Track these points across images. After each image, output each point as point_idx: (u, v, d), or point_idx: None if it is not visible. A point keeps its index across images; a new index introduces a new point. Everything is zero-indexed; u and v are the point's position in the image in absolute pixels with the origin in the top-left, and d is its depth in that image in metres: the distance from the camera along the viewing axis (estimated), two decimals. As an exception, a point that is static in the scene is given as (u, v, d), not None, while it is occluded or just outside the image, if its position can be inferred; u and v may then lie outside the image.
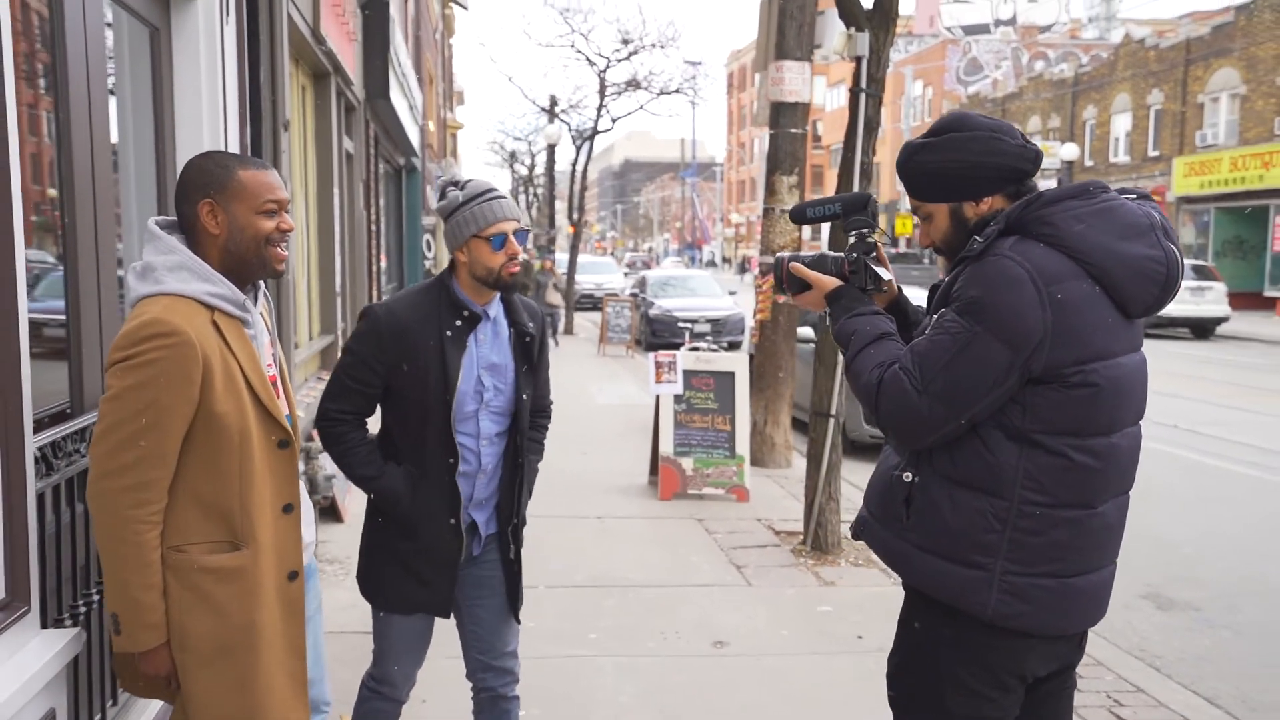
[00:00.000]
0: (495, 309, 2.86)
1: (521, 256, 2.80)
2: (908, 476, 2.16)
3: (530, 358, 2.89)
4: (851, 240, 2.36)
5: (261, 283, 2.36)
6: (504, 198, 2.78)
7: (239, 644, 2.16)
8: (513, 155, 41.35)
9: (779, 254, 2.48)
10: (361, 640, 3.81)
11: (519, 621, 3.04)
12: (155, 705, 3.12)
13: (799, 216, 2.46)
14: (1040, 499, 2.05)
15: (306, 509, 2.48)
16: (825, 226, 5.39)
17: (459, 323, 2.77)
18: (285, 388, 2.42)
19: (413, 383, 2.72)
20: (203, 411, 2.09)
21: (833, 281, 2.36)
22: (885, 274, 2.35)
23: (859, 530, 2.33)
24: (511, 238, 2.74)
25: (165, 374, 2.04)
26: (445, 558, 2.84)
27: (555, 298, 20.51)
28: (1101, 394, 2.03)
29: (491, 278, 2.75)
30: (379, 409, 2.87)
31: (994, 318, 1.99)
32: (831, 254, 2.41)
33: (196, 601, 2.13)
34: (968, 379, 2.01)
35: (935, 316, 2.13)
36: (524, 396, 2.86)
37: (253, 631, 2.17)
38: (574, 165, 24.83)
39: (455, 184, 2.80)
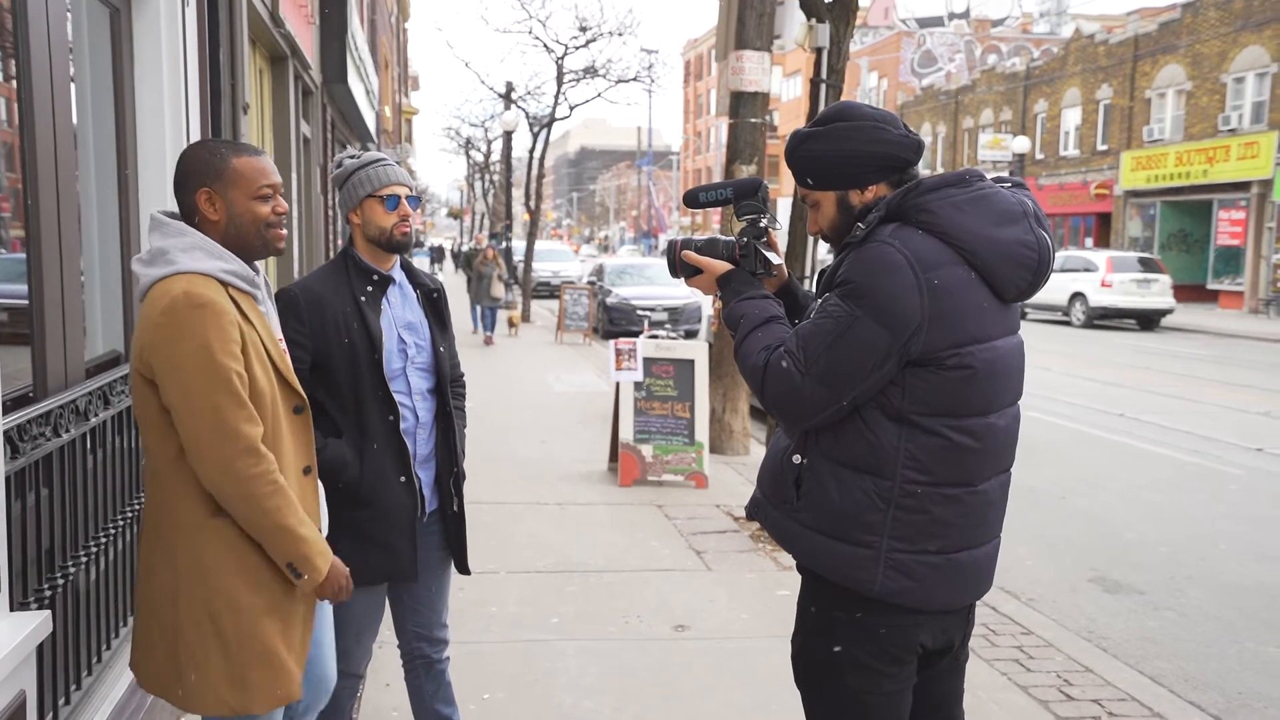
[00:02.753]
0: (399, 274, 2.99)
1: (415, 225, 2.95)
2: (797, 458, 2.22)
3: (440, 314, 3.04)
4: (742, 225, 2.39)
5: (260, 264, 2.42)
6: (394, 165, 2.93)
7: (282, 600, 2.26)
8: (468, 142, 41.02)
9: (671, 238, 2.53)
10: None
11: (468, 572, 3.13)
12: (121, 684, 3.10)
13: (692, 202, 2.48)
14: (921, 478, 2.11)
15: (321, 500, 2.56)
16: (783, 216, 5.44)
17: (370, 287, 2.88)
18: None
19: (339, 349, 2.79)
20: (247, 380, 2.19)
21: (723, 266, 2.40)
22: (775, 258, 2.39)
23: (753, 511, 2.37)
24: (404, 200, 2.88)
25: (214, 337, 2.11)
26: (404, 518, 2.87)
27: (499, 290, 18.51)
28: (977, 376, 2.10)
29: (384, 238, 2.88)
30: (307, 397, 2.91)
31: (873, 302, 2.05)
32: (723, 238, 2.45)
33: (241, 564, 2.21)
34: (848, 362, 2.07)
35: (820, 301, 2.19)
36: (441, 349, 3.00)
37: (291, 587, 2.28)
38: (531, 153, 24.72)
39: (351, 156, 2.94)
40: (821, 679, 2.27)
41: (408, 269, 3.03)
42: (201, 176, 2.26)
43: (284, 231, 2.36)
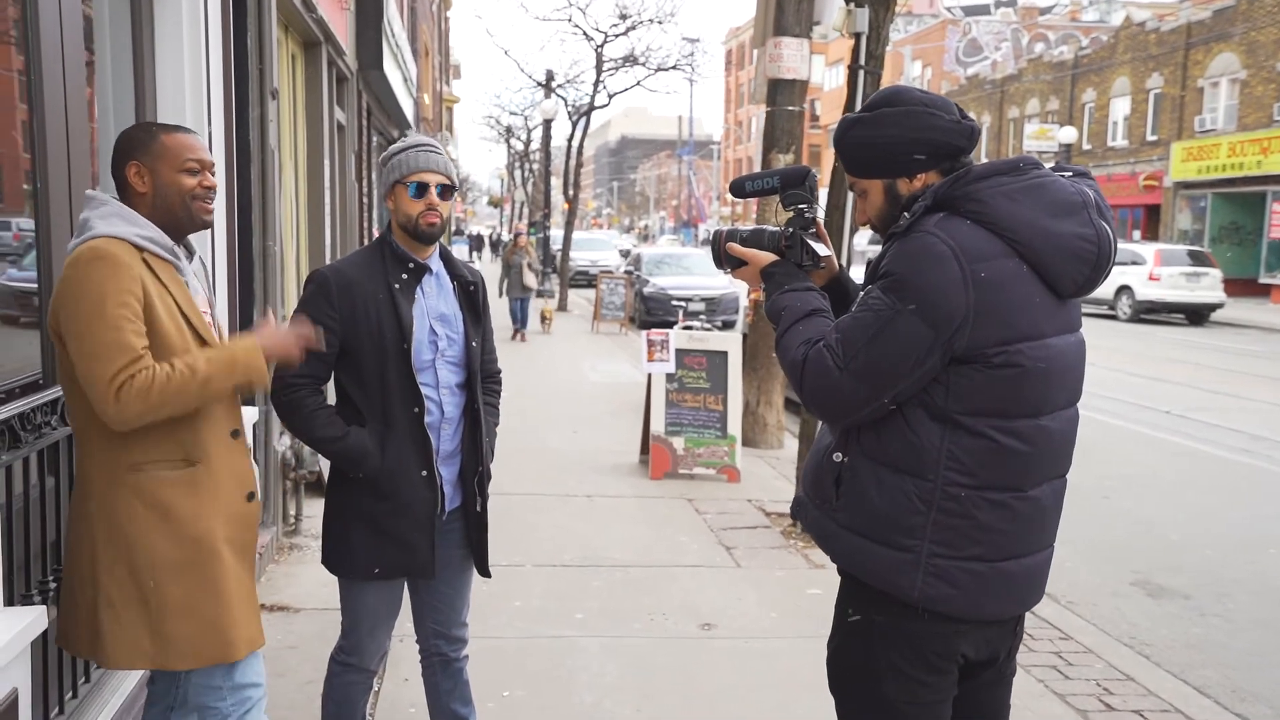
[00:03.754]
0: (436, 264, 2.90)
1: (448, 214, 2.89)
2: (837, 457, 2.13)
3: (475, 307, 2.94)
4: (789, 215, 2.30)
5: (196, 250, 2.50)
6: (434, 152, 2.82)
7: (202, 555, 2.30)
8: (509, 130, 41.05)
9: (716, 229, 2.43)
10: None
11: (489, 575, 3.04)
12: (129, 684, 3.06)
13: (738, 190, 2.41)
14: (964, 481, 2.01)
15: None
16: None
17: (405, 275, 2.80)
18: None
19: (368, 336, 2.73)
20: (151, 332, 2.22)
21: (768, 257, 2.32)
22: (823, 250, 2.29)
23: (796, 510, 2.31)
24: (432, 189, 2.78)
25: (106, 282, 2.18)
26: (423, 513, 2.80)
27: (530, 280, 17.25)
28: (1027, 375, 1.99)
29: (410, 225, 2.79)
30: (333, 385, 2.85)
31: (916, 296, 1.95)
32: (769, 229, 2.37)
33: (158, 518, 2.27)
34: (889, 357, 1.97)
35: (862, 294, 2.10)
36: (474, 344, 2.91)
37: (211, 543, 2.31)
38: (569, 141, 24.64)
39: (401, 137, 2.81)
40: (857, 685, 2.18)
41: (446, 259, 2.94)
42: (131, 151, 2.36)
43: (210, 206, 2.43)
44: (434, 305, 2.84)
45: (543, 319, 17.89)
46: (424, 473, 2.79)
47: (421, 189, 2.76)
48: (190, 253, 2.49)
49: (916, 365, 1.97)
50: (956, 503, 2.01)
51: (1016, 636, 2.25)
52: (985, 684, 2.23)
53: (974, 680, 2.20)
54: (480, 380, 2.95)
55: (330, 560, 2.88)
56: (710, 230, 74.86)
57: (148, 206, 2.35)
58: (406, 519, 2.79)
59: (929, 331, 1.94)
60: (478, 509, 2.95)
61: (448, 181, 2.82)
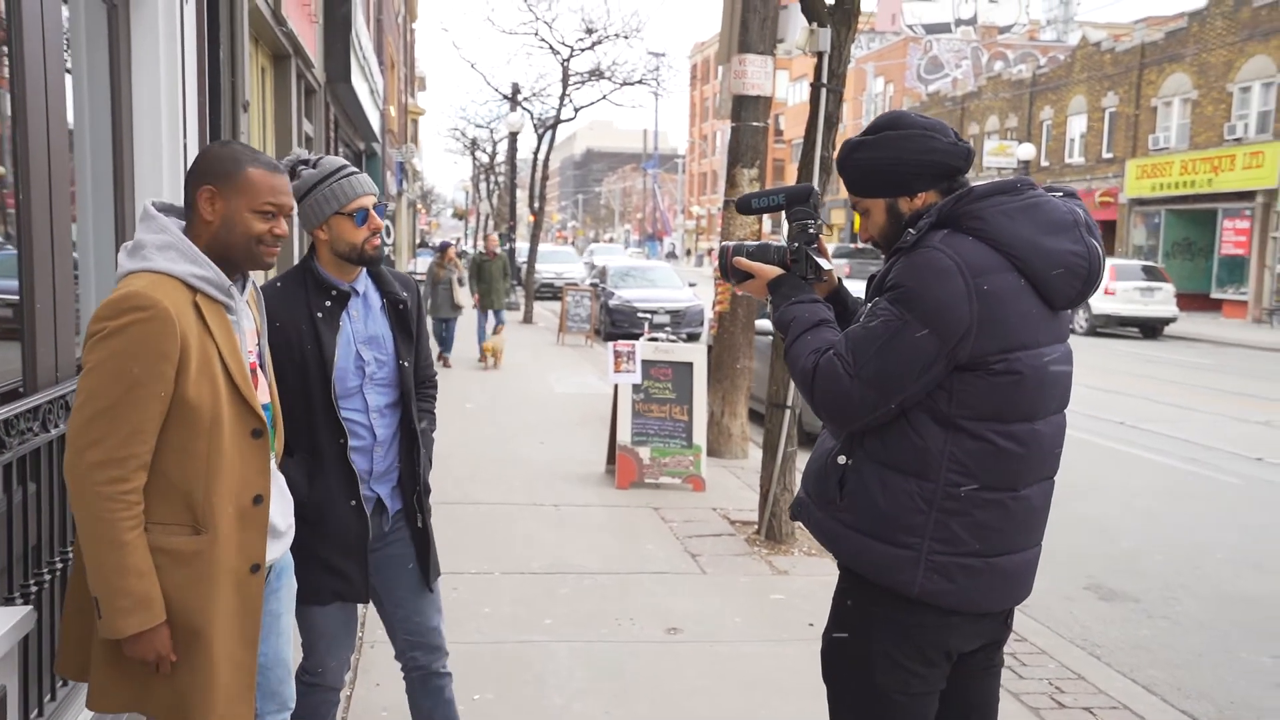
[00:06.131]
0: (363, 284, 2.85)
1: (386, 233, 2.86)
2: (842, 460, 2.24)
3: (407, 325, 2.89)
4: (794, 230, 2.43)
5: (250, 274, 2.35)
6: (361, 173, 2.79)
7: (187, 628, 2.11)
8: (474, 143, 41.07)
9: (723, 243, 2.56)
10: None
11: (433, 591, 3.02)
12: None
13: (745, 207, 2.54)
14: (965, 481, 2.14)
15: (287, 501, 2.50)
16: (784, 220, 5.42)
17: (329, 303, 2.75)
18: (269, 377, 2.42)
19: (290, 367, 2.67)
20: (175, 393, 2.07)
21: (775, 270, 2.44)
22: (826, 264, 2.42)
23: (797, 511, 2.41)
24: (373, 212, 2.75)
25: (141, 345, 2.02)
26: (352, 542, 2.79)
27: (461, 298, 15.09)
28: (1024, 382, 2.12)
29: (355, 253, 2.73)
30: None
31: (923, 307, 2.07)
32: (774, 244, 2.48)
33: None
34: (897, 365, 2.09)
35: (870, 305, 2.22)
36: (405, 364, 2.86)
37: (203, 618, 2.12)
38: (535, 154, 24.70)
39: (305, 162, 2.77)
40: (850, 674, 2.29)
41: (376, 277, 2.89)
42: (209, 175, 2.20)
43: (276, 251, 2.28)
44: (361, 329, 2.80)
45: (489, 355, 14.47)
46: (352, 503, 2.78)
47: (365, 215, 2.71)
48: (245, 279, 2.35)
49: (923, 372, 2.09)
50: (956, 502, 2.14)
51: (1006, 629, 2.37)
52: (974, 673, 2.35)
53: (964, 667, 2.31)
54: (413, 395, 2.90)
55: None
56: (672, 242, 75.26)
57: (208, 235, 2.20)
58: (337, 548, 2.78)
59: (935, 340, 2.06)
60: (419, 525, 2.95)
61: (379, 199, 2.80)
